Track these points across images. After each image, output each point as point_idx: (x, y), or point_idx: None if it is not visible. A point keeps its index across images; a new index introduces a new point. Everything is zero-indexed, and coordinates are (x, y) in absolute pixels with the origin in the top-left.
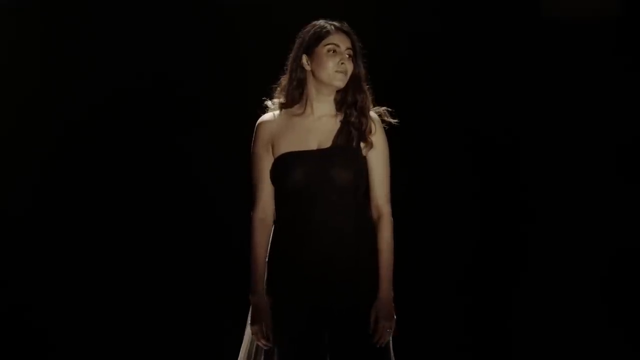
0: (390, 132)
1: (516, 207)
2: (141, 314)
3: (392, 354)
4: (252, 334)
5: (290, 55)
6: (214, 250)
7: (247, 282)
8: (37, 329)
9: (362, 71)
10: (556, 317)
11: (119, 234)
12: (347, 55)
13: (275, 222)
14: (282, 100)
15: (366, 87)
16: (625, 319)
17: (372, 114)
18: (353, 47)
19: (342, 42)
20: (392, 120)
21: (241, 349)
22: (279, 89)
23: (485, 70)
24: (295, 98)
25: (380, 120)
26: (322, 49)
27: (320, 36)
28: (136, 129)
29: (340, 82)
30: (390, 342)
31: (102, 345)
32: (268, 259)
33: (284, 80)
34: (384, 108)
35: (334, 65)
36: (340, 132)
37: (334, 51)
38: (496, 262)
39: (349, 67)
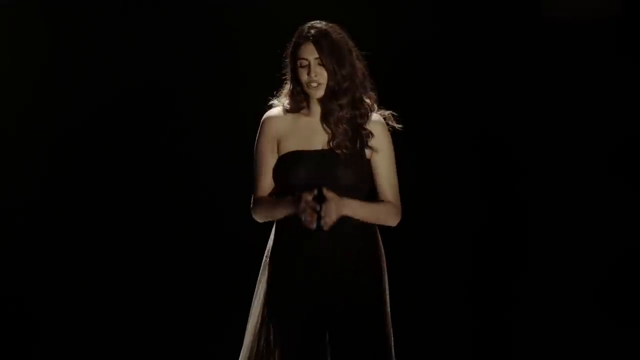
0: (391, 133)
1: (517, 207)
2: (142, 314)
3: (392, 353)
4: (302, 210)
5: (286, 65)
6: (214, 250)
7: (247, 282)
8: (38, 328)
9: (342, 75)
10: (557, 319)
11: (121, 235)
12: (319, 65)
13: (276, 221)
14: (287, 107)
15: (346, 92)
16: (626, 320)
17: (377, 116)
18: (320, 56)
19: (309, 54)
20: (397, 126)
21: (242, 349)
22: (283, 92)
23: (485, 70)
24: (300, 104)
25: (384, 123)
26: (297, 63)
27: (294, 49)
28: (136, 130)
29: (316, 94)
30: (392, 341)
31: (103, 344)
32: (269, 257)
33: (287, 85)
34: (389, 112)
35: (304, 79)
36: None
37: (303, 65)
38: (498, 264)
39: (323, 76)
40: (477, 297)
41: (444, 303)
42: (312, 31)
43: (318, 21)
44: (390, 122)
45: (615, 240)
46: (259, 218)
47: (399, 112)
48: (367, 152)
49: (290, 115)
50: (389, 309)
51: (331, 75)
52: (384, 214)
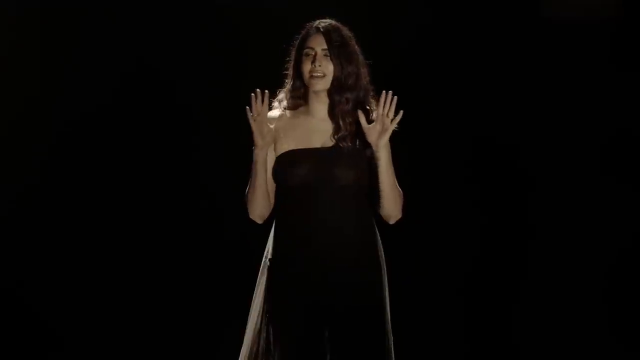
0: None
1: (516, 208)
2: (142, 315)
3: (392, 353)
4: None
5: (290, 59)
6: (214, 250)
7: (247, 282)
8: (38, 328)
9: (348, 71)
10: (558, 320)
11: (121, 235)
12: (325, 56)
13: (275, 219)
14: (285, 104)
15: (352, 89)
16: (626, 322)
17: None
18: (329, 47)
19: (316, 44)
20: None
21: (242, 349)
22: (284, 89)
23: (483, 70)
24: (299, 101)
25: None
26: (302, 53)
27: (301, 41)
28: (137, 129)
29: (317, 85)
30: (391, 341)
31: (103, 344)
32: (268, 258)
33: (288, 83)
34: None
35: (308, 69)
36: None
37: (309, 54)
38: (498, 264)
39: (327, 68)
40: (477, 297)
41: (444, 303)
42: (323, 24)
43: (329, 18)
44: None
45: (615, 243)
46: (252, 207)
47: (397, 112)
48: (367, 151)
49: (289, 114)
50: (388, 308)
51: (338, 68)
52: (398, 191)
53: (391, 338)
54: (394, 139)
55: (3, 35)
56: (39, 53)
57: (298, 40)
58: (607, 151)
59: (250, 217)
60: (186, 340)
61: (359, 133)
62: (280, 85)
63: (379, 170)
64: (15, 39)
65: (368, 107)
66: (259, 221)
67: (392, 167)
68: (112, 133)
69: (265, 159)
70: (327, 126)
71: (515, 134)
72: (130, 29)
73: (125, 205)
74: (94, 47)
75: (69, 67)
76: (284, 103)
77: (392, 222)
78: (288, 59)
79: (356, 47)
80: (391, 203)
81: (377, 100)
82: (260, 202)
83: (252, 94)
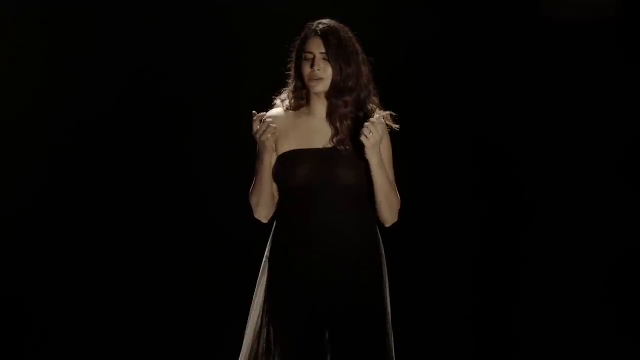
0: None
1: (517, 208)
2: (143, 315)
3: (393, 353)
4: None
5: (292, 60)
6: (214, 251)
7: (247, 283)
8: (36, 328)
9: (347, 74)
10: (558, 318)
11: (121, 236)
12: (324, 60)
13: (276, 220)
14: (287, 104)
15: (351, 90)
16: (628, 320)
17: (377, 116)
18: (327, 51)
19: (315, 48)
20: (394, 126)
21: (242, 349)
22: (287, 89)
23: (482, 70)
24: (301, 102)
25: (385, 124)
26: (302, 57)
27: (301, 44)
28: (135, 129)
29: (316, 87)
30: (392, 342)
31: (102, 345)
32: (269, 257)
33: (290, 82)
34: (387, 112)
35: (307, 72)
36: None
37: (308, 58)
38: (498, 264)
39: (325, 72)
40: (477, 297)
41: (445, 303)
42: (321, 26)
43: (328, 19)
44: (387, 122)
45: (617, 241)
46: (258, 207)
47: (397, 112)
48: (362, 154)
49: (290, 114)
50: (389, 309)
51: (336, 71)
52: (395, 195)
53: (392, 339)
54: (394, 139)
55: (3, 35)
56: (39, 53)
57: (298, 42)
58: (606, 150)
59: (256, 217)
60: (186, 340)
61: (358, 134)
62: (280, 85)
63: (372, 174)
64: (15, 39)
65: (369, 107)
66: (265, 221)
67: (385, 172)
68: (112, 133)
69: (269, 160)
70: (329, 127)
71: (514, 133)
72: (130, 29)
73: (126, 206)
74: (94, 47)
75: (69, 67)
76: (287, 103)
77: (387, 225)
78: (290, 59)
79: (356, 46)
80: (385, 207)
81: (379, 99)
82: (266, 202)
83: (254, 117)
